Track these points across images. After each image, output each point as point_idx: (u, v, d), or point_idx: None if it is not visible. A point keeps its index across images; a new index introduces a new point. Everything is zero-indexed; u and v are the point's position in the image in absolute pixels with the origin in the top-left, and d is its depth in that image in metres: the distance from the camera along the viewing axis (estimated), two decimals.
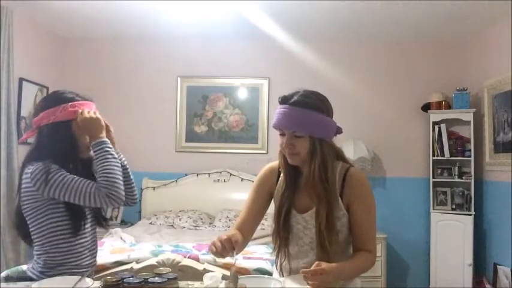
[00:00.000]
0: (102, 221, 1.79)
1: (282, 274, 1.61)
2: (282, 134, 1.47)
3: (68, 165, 1.59)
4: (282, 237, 1.54)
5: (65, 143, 1.61)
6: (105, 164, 1.56)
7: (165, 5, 3.40)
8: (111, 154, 1.60)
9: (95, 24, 3.91)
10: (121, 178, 1.58)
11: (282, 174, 1.57)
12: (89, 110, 1.65)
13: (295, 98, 1.45)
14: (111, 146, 1.63)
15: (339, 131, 1.53)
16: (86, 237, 1.68)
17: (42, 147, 1.62)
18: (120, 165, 1.62)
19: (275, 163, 1.61)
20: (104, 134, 1.64)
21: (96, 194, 1.52)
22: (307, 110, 1.44)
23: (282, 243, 1.55)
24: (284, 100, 1.47)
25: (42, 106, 1.67)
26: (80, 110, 1.62)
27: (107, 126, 1.72)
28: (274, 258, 1.63)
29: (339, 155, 1.54)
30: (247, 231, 1.56)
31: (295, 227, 1.53)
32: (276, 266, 1.63)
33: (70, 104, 1.63)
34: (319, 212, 1.45)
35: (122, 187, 1.58)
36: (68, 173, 1.56)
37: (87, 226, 1.69)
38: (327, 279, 1.30)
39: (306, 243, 1.52)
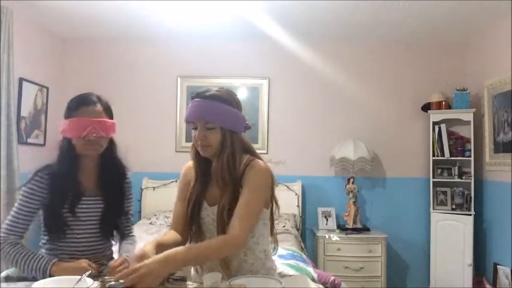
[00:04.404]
0: (109, 235, 1.74)
1: (196, 268, 1.62)
2: (195, 128, 1.50)
3: (62, 177, 1.62)
4: (194, 230, 1.55)
5: (64, 159, 1.64)
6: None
7: (165, 5, 3.40)
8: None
9: (95, 24, 3.91)
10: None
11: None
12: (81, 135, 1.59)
13: (206, 92, 1.50)
14: None
15: (247, 126, 1.57)
16: (77, 241, 1.66)
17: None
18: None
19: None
20: None
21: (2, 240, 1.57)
22: (218, 103, 1.48)
23: (194, 235, 1.57)
24: (197, 95, 1.52)
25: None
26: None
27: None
28: None
29: (248, 149, 1.57)
30: (183, 229, 1.57)
31: (205, 219, 1.55)
32: None
33: (66, 121, 1.62)
34: (221, 200, 1.47)
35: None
36: (37, 191, 1.61)
37: (78, 232, 1.66)
38: (148, 275, 1.21)
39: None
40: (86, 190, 1.67)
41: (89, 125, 1.58)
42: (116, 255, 1.79)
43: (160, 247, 1.40)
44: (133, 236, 1.83)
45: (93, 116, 1.61)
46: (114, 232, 1.76)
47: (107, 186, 1.68)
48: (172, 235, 1.54)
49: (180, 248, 1.34)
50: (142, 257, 1.30)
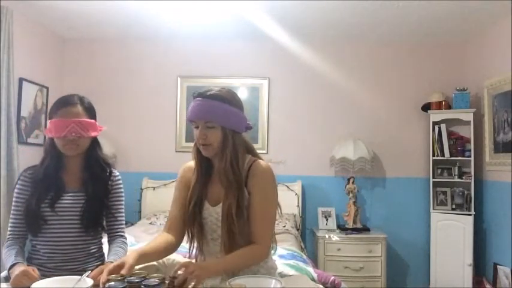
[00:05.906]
0: (91, 231, 1.70)
1: None
2: (197, 127, 1.52)
3: (47, 173, 1.68)
4: (195, 230, 1.57)
5: (47, 158, 1.70)
6: None
7: (165, 5, 3.40)
8: None
9: (95, 24, 3.91)
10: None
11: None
12: (59, 135, 1.62)
13: (207, 92, 1.51)
14: None
15: (248, 126, 1.59)
16: (56, 236, 1.65)
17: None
18: None
19: (192, 162, 1.64)
20: None
21: None
22: (219, 102, 1.49)
23: (195, 235, 1.58)
24: (198, 94, 1.53)
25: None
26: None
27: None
28: (188, 250, 1.64)
29: (249, 149, 1.60)
30: (178, 230, 1.59)
31: (208, 219, 1.55)
32: (190, 257, 1.65)
33: (49, 121, 1.68)
34: (227, 199, 1.48)
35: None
36: (23, 190, 1.69)
37: (57, 227, 1.65)
38: (202, 275, 1.31)
39: (219, 235, 1.53)
40: (68, 187, 1.70)
41: (68, 125, 1.62)
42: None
43: (143, 257, 1.41)
44: (122, 237, 1.78)
45: (73, 116, 1.65)
46: (99, 229, 1.75)
47: (89, 183, 1.70)
48: (159, 243, 1.52)
49: (212, 260, 1.50)
50: (121, 266, 1.31)
